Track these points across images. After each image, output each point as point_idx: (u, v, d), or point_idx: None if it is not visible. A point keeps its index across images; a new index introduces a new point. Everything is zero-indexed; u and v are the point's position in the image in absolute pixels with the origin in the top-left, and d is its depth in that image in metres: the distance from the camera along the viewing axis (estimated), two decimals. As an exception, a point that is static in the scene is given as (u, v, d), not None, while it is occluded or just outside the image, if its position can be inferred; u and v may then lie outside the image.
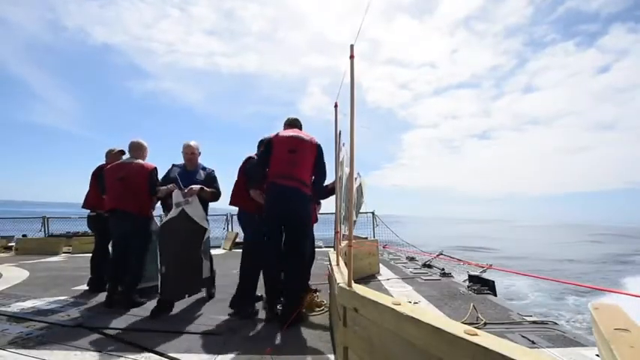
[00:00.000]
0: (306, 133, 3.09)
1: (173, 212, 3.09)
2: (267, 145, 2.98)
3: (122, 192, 3.40)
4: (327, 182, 3.94)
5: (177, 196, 3.11)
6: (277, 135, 3.01)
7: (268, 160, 2.94)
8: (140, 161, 3.51)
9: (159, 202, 3.63)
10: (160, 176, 3.52)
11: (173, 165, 3.46)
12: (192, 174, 3.37)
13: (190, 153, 3.41)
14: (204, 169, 3.49)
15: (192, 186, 3.21)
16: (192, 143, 3.42)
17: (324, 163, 3.06)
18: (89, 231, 4.85)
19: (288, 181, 2.85)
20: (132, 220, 3.39)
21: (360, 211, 4.17)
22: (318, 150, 3.00)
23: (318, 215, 4.32)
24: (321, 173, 3.08)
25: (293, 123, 3.20)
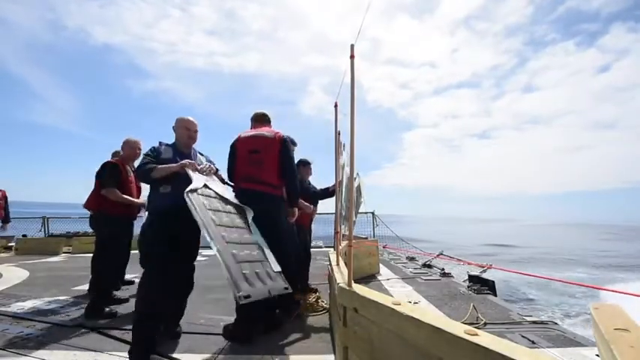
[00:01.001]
0: (270, 129, 2.86)
1: (197, 183, 2.36)
2: (230, 150, 2.83)
3: (94, 191, 3.44)
4: (328, 185, 3.94)
5: (194, 169, 2.47)
6: (239, 137, 2.82)
7: (233, 165, 2.77)
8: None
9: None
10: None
11: (161, 143, 2.62)
12: (188, 157, 2.61)
13: (194, 130, 2.65)
14: (201, 154, 2.79)
15: (208, 164, 2.65)
16: (193, 119, 2.67)
17: (289, 157, 2.76)
18: (89, 231, 4.85)
19: (254, 184, 2.67)
20: (95, 218, 3.40)
21: (360, 211, 4.18)
22: (282, 144, 2.72)
23: (317, 215, 4.33)
24: (286, 169, 2.76)
25: (260, 119, 2.95)
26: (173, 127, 2.66)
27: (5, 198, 6.06)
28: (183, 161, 2.43)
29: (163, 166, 2.42)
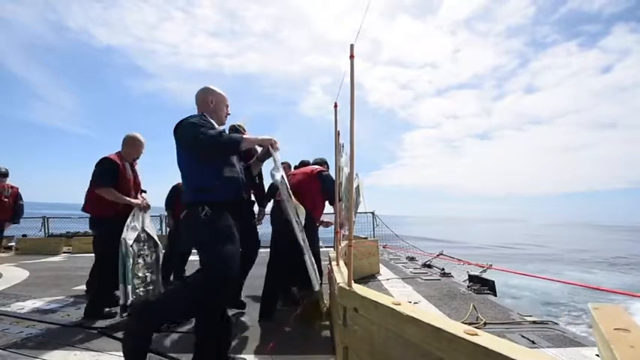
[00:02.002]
0: None
1: (281, 171, 1.95)
2: None
3: (90, 192, 3.18)
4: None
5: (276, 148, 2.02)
6: None
7: None
8: None
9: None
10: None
11: (205, 115, 2.00)
12: None
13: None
14: None
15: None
16: None
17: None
18: (89, 231, 4.84)
19: None
20: (90, 221, 3.24)
21: (359, 210, 4.18)
22: None
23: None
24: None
25: (233, 131, 2.99)
26: (204, 97, 2.01)
27: (16, 195, 5.79)
28: (267, 136, 1.98)
29: (251, 136, 1.91)
